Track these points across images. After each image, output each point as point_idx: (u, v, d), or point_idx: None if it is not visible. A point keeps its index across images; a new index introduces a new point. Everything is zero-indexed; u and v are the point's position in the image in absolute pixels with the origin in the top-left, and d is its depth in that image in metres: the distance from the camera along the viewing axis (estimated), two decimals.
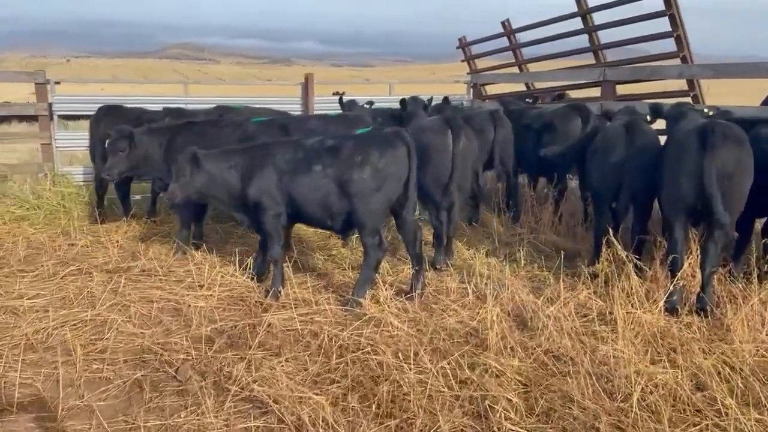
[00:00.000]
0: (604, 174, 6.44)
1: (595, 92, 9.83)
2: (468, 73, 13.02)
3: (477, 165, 8.09)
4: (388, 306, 5.74)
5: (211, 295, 6.09)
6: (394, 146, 5.66)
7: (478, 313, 5.61)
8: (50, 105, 9.59)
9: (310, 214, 5.80)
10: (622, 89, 9.71)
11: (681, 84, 9.19)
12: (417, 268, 6.07)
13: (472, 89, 12.05)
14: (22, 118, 14.51)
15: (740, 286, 5.74)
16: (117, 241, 7.70)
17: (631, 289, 5.78)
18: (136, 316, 5.62)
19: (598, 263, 6.15)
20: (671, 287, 5.56)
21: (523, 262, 6.90)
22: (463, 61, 13.24)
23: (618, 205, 6.37)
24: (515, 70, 12.16)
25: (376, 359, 4.66)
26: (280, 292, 5.94)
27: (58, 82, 9.94)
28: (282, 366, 4.62)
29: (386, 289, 6.02)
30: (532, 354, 4.86)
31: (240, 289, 6.27)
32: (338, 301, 5.97)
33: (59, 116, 10.21)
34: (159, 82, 43.00)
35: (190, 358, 4.83)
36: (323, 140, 5.81)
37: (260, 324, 5.36)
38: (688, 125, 5.71)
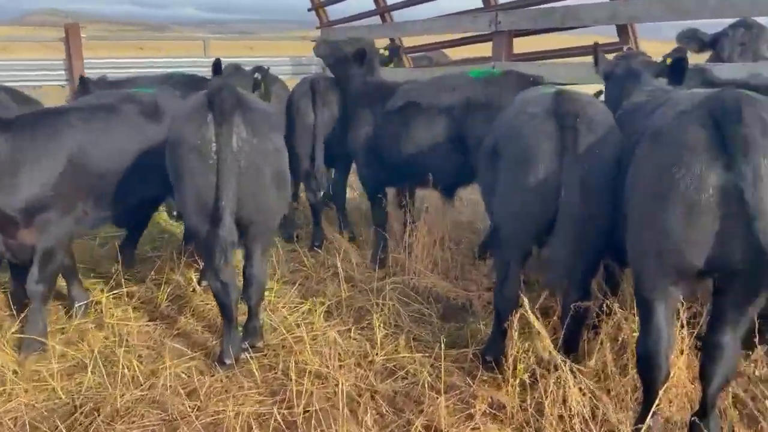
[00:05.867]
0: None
1: (485, 49, 7.02)
2: (317, 27, 9.81)
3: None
4: None
5: None
6: None
7: None
8: None
9: None
10: (522, 45, 6.96)
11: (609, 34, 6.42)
12: None
13: None
14: None
15: None
16: None
17: (566, 404, 3.08)
18: None
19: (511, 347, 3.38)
20: (649, 419, 2.86)
21: (381, 329, 4.05)
22: (310, 10, 9.95)
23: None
24: (377, 20, 9.10)
25: None
26: None
27: None
28: None
29: None
30: None
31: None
32: None
33: None
34: None
35: None
36: None
37: None
38: (673, 99, 2.98)
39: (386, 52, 5.63)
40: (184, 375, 3.74)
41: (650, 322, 2.77)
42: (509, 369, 3.33)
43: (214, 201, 3.44)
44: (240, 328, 4.03)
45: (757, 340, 3.16)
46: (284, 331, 4.02)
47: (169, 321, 4.47)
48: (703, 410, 2.86)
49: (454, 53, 10.13)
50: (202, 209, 3.53)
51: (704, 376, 2.80)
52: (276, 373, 3.80)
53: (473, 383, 3.53)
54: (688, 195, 2.46)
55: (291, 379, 3.50)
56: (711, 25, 5.07)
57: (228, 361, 3.78)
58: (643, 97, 3.52)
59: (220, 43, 12.85)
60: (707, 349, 2.78)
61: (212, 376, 3.75)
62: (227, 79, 5.19)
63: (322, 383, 3.61)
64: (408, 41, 8.87)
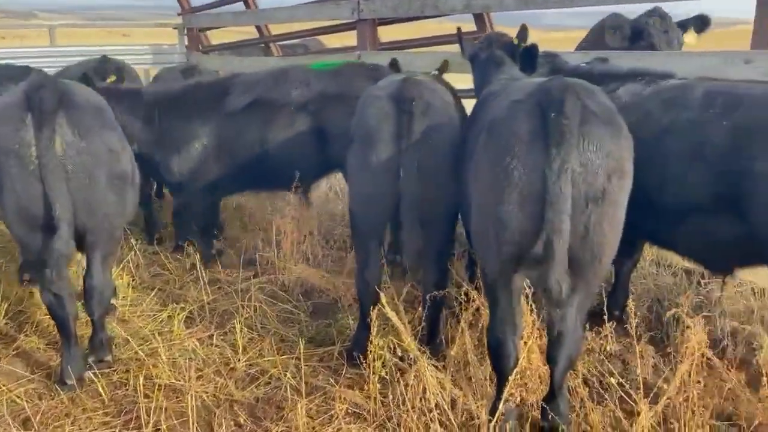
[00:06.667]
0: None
1: (351, 38, 6.93)
2: (179, 14, 9.31)
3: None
4: None
5: None
6: None
7: None
8: None
9: None
10: (387, 33, 6.95)
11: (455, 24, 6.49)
12: None
13: (186, 37, 8.50)
14: None
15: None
16: None
17: (424, 394, 3.07)
18: None
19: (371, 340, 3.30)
20: (502, 406, 2.88)
21: (246, 333, 3.89)
22: None
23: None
24: (241, 6, 8.71)
25: None
26: None
27: None
28: None
29: None
30: None
31: None
32: None
33: None
34: None
35: None
36: None
37: None
38: (502, 89, 3.03)
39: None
40: (19, 400, 3.37)
41: (497, 310, 2.79)
42: (370, 366, 3.27)
43: (43, 211, 3.13)
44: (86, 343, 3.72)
45: (606, 317, 3.28)
46: (134, 345, 3.74)
47: (6, 340, 4.04)
48: (552, 392, 2.93)
49: (330, 41, 10.00)
50: (26, 219, 3.19)
51: (550, 358, 2.87)
52: (127, 390, 3.53)
53: (338, 382, 3.45)
54: (521, 185, 2.49)
55: (142, 396, 3.25)
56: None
57: (69, 382, 3.45)
58: (497, 86, 3.58)
59: (90, 30, 11.97)
60: (550, 332, 2.84)
61: (52, 399, 3.42)
62: None
63: (177, 397, 3.39)
64: (276, 28, 8.58)
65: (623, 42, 5.16)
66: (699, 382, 2.96)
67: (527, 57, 3.94)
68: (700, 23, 5.30)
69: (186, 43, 8.98)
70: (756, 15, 3.97)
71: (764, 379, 2.72)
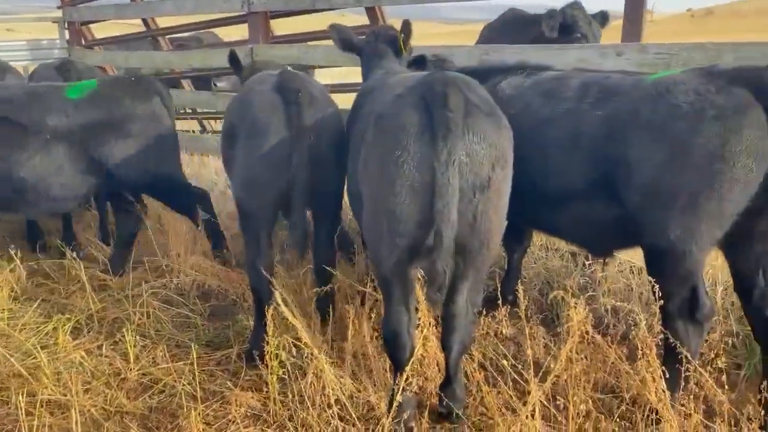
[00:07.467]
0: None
1: (242, 31, 6.76)
2: (59, 7, 8.72)
3: None
4: None
5: None
6: None
7: None
8: None
9: None
10: (281, 27, 6.83)
11: (357, 17, 6.53)
12: None
13: (67, 31, 7.99)
14: None
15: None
16: None
17: (323, 390, 3.06)
18: None
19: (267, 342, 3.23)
20: (399, 396, 2.90)
21: (139, 341, 3.73)
22: None
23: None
24: None
25: None
26: None
27: None
28: None
29: None
30: None
31: None
32: None
33: None
34: None
35: None
36: None
37: None
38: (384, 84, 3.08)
39: None
40: None
41: (391, 303, 2.82)
42: (268, 366, 3.21)
43: None
44: None
45: (500, 301, 3.39)
46: (14, 361, 3.49)
47: None
48: (448, 378, 2.99)
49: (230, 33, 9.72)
50: None
51: (444, 345, 2.93)
52: (9, 408, 3.29)
53: (237, 385, 3.37)
54: (411, 177, 2.52)
55: (24, 414, 3.04)
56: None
57: None
58: (374, 81, 3.66)
59: None
60: (443, 320, 2.91)
61: None
62: None
63: (63, 413, 3.20)
64: (165, 21, 8.22)
65: (553, 32, 5.32)
66: (583, 358, 3.13)
67: (418, 66, 4.00)
68: (602, 19, 5.63)
69: (67, 37, 8.45)
70: (625, 10, 4.22)
71: (640, 352, 2.88)
